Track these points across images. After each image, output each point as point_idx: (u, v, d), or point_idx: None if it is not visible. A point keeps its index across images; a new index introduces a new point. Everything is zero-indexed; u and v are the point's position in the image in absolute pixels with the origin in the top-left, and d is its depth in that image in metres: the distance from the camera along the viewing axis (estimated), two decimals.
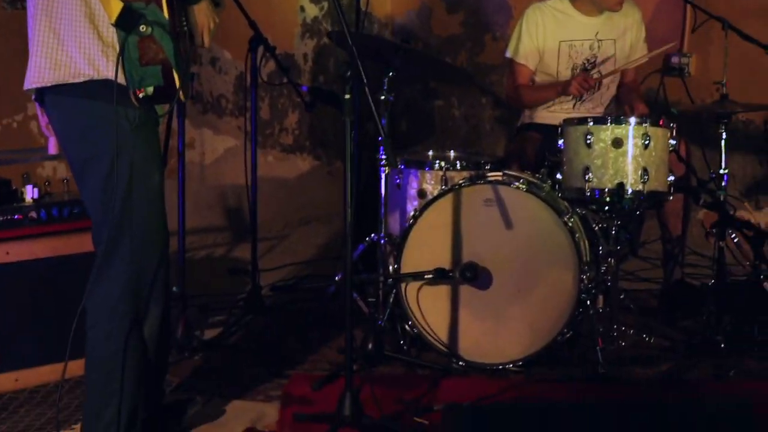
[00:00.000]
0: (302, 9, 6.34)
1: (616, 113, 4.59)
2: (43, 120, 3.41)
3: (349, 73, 3.00)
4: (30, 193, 3.77)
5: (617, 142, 3.86)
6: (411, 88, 6.62)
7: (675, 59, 5.68)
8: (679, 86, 5.64)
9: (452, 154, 4.60)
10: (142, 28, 2.81)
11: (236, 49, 5.66)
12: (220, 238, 6.10)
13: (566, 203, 4.02)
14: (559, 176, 4.01)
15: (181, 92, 2.89)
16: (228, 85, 6.04)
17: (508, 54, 4.71)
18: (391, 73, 4.06)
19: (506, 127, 6.31)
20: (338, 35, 4.42)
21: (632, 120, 3.87)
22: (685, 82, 5.63)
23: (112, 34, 2.89)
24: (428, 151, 4.68)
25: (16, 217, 3.71)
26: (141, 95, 2.86)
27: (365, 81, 2.97)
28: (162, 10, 2.83)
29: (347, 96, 3.02)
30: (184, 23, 3.01)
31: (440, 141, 6.72)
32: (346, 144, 3.01)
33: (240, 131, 6.02)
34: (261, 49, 4.44)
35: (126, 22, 2.80)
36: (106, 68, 2.91)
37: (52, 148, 3.76)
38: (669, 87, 5.65)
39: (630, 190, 3.85)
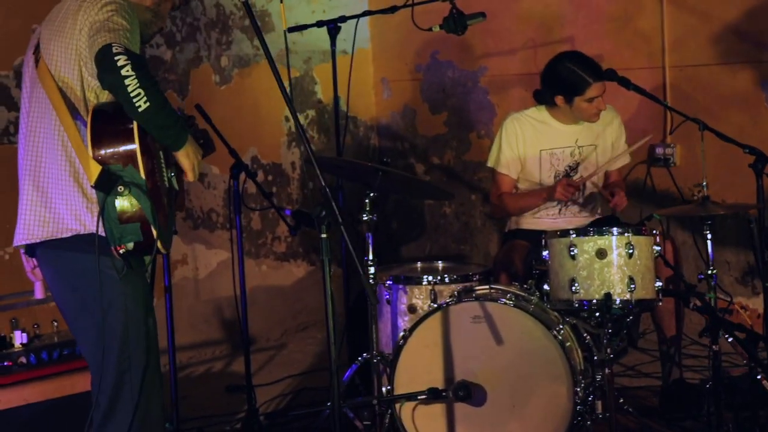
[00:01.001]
0: (287, 119, 6.39)
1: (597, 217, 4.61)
2: (29, 265, 3.52)
3: (324, 213, 3.00)
4: (19, 339, 3.78)
5: (601, 253, 3.86)
6: None
7: (659, 150, 5.69)
8: (665, 176, 5.67)
9: (440, 265, 4.62)
10: (120, 188, 2.95)
11: (223, 165, 5.69)
12: (218, 352, 6.08)
13: (556, 314, 4.01)
14: (546, 287, 4.00)
15: (160, 243, 3.01)
16: (217, 199, 6.07)
17: (490, 164, 4.74)
18: (372, 194, 4.08)
19: (497, 223, 6.32)
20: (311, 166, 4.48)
21: (615, 230, 3.88)
22: (671, 172, 5.66)
23: (95, 192, 3.00)
24: (416, 262, 4.71)
25: (5, 363, 3.73)
26: (122, 251, 3.00)
27: (341, 221, 2.99)
28: (139, 170, 2.97)
29: (323, 236, 3.03)
30: (171, 174, 3.12)
31: (432, 238, 6.73)
32: (325, 282, 3.01)
33: (232, 244, 6.03)
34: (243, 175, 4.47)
35: (104, 183, 2.95)
36: (92, 223, 3.06)
37: (39, 292, 3.82)
38: (656, 177, 5.67)
39: (618, 300, 3.84)
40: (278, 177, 6.39)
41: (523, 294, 4.04)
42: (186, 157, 3.15)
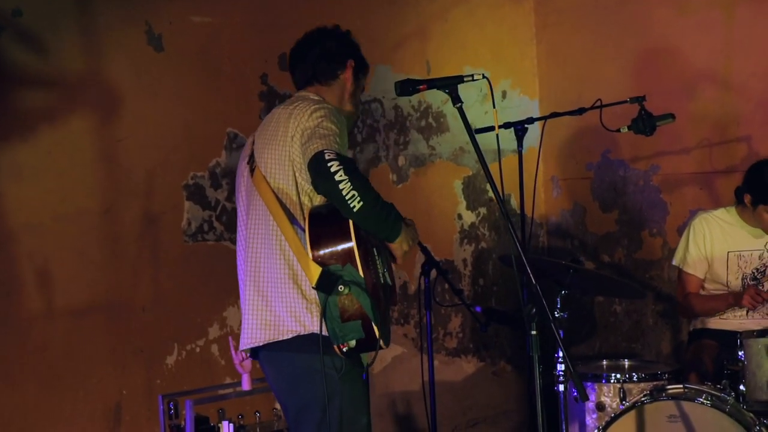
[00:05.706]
0: (459, 216, 6.54)
1: None
2: (237, 358, 3.66)
3: (534, 311, 3.09)
4: (226, 429, 3.95)
5: None
6: None
7: None
8: None
9: (627, 363, 4.64)
10: (341, 288, 3.05)
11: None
12: None
13: (752, 415, 3.97)
14: (742, 387, 3.98)
15: (381, 341, 3.09)
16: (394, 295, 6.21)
17: (675, 262, 4.76)
18: (563, 292, 4.15)
19: (669, 321, 6.28)
20: (505, 261, 4.59)
21: None
22: None
23: (314, 292, 3.12)
24: (601, 360, 4.73)
25: None
26: (345, 349, 3.09)
27: (551, 318, 3.07)
28: (357, 268, 3.07)
29: (533, 332, 3.11)
30: (384, 270, 3.23)
31: (602, 336, 6.71)
32: (535, 381, 3.08)
33: (406, 339, 6.15)
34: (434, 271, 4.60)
35: (325, 284, 3.05)
36: (312, 323, 3.16)
37: (246, 384, 3.98)
38: None
39: None
40: (450, 273, 6.49)
41: (719, 394, 4.02)
42: (400, 246, 3.26)
